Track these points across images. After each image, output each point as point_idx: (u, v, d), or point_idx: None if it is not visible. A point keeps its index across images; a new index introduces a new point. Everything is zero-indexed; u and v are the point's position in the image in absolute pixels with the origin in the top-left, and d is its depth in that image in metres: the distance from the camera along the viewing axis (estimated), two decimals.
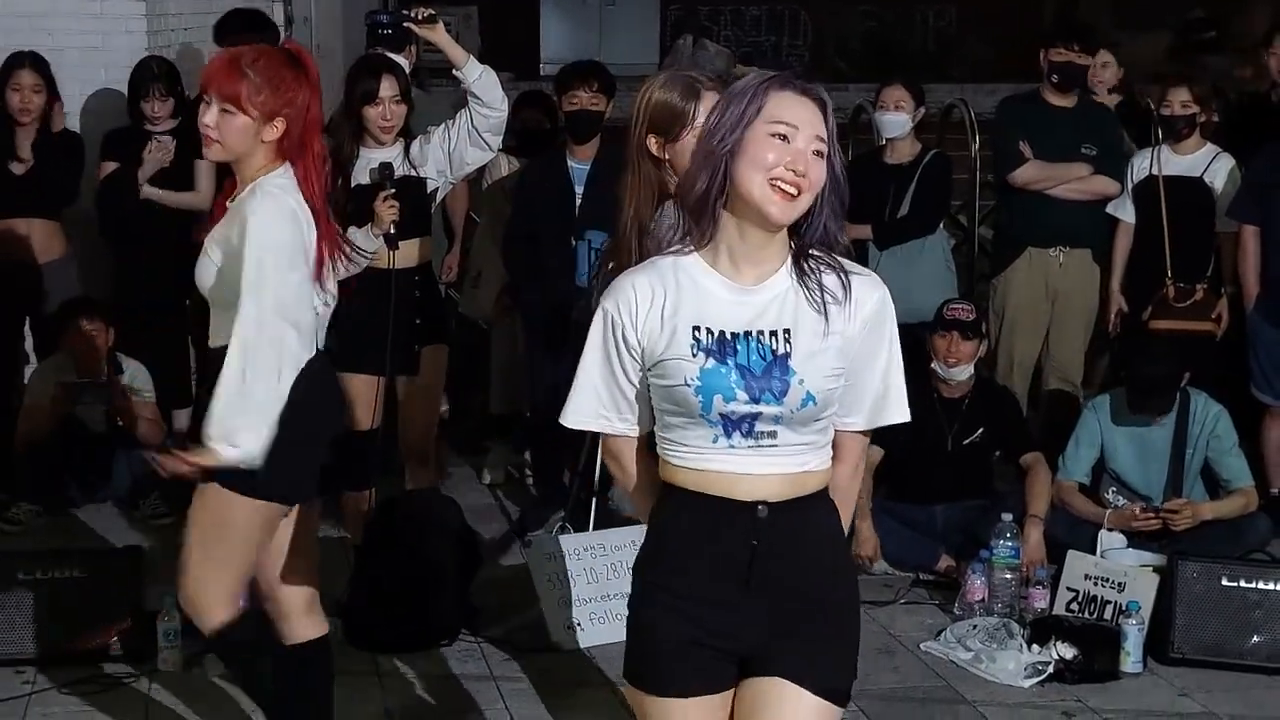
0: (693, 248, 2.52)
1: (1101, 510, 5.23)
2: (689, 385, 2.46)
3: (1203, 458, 5.26)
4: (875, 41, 20.84)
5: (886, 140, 5.99)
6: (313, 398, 3.27)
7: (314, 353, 3.31)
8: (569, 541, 4.89)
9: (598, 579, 4.76)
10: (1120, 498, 5.27)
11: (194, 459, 3.22)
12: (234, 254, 3.20)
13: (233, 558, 3.34)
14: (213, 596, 3.33)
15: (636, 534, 4.91)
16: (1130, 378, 5.28)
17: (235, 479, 3.23)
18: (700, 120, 3.25)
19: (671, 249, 2.54)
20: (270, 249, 3.18)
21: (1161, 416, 5.24)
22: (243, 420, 3.16)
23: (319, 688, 3.53)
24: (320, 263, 3.33)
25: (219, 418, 3.17)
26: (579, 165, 5.50)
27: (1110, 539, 5.12)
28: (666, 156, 3.32)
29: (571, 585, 4.73)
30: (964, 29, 20.92)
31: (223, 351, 3.21)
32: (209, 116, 3.24)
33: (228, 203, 3.33)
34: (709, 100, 3.27)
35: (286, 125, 3.24)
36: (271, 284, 3.17)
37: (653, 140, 3.31)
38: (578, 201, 5.45)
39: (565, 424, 2.58)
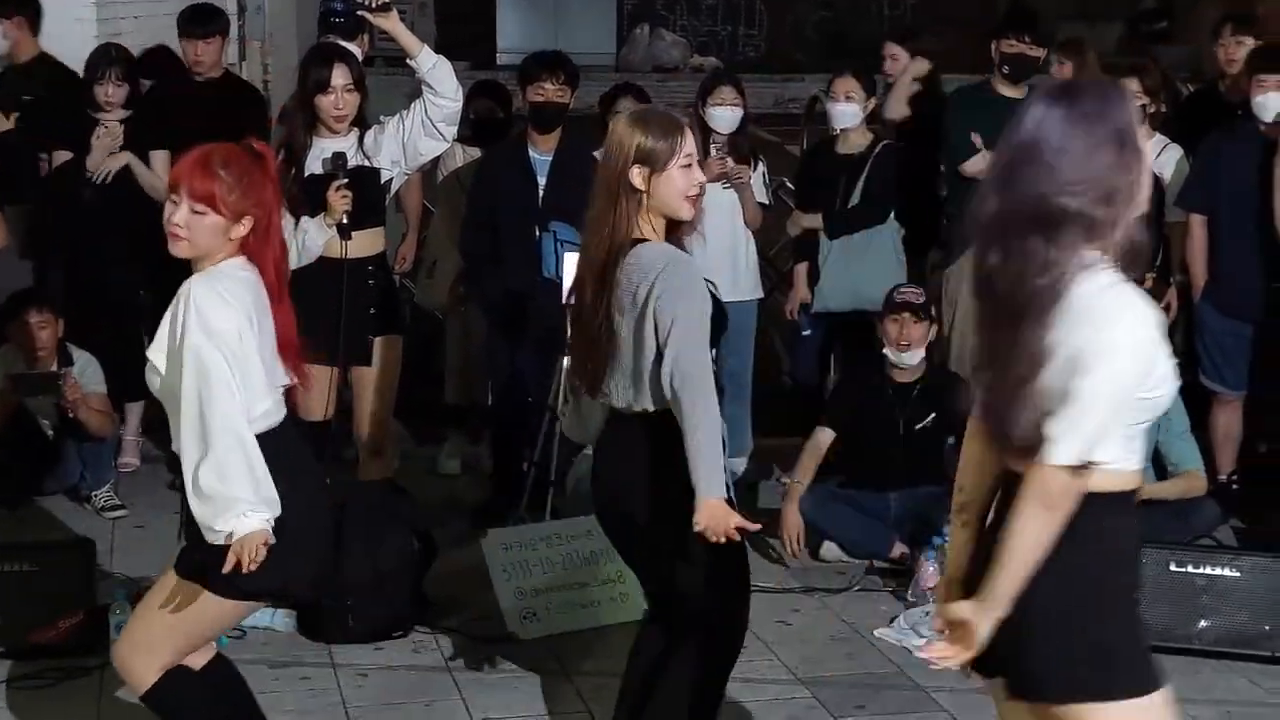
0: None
1: None
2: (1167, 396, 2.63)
3: (1152, 441, 5.32)
4: (830, 31, 20.90)
5: (838, 130, 6.01)
6: (293, 483, 3.25)
7: (282, 417, 3.32)
8: (525, 531, 4.90)
9: (554, 568, 4.77)
10: None
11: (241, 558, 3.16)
12: (175, 351, 3.20)
13: (190, 643, 3.38)
14: (149, 667, 3.35)
15: (592, 524, 4.93)
16: None
17: (230, 587, 3.23)
18: (686, 151, 3.36)
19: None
20: (214, 335, 3.17)
21: None
22: (233, 507, 3.15)
23: (240, 699, 3.55)
24: (281, 346, 3.34)
25: (232, 496, 3.16)
26: (541, 156, 5.49)
27: None
28: (647, 188, 3.37)
29: (527, 575, 4.73)
30: (919, 19, 21.02)
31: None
32: (179, 215, 3.24)
33: None
34: (688, 134, 3.42)
35: (254, 223, 3.27)
36: (214, 375, 3.16)
37: (636, 172, 3.35)
38: (540, 192, 5.44)
39: (1093, 459, 2.52)
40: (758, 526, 3.46)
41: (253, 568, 3.14)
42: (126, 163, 5.88)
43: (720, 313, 3.45)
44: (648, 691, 3.50)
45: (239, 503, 3.15)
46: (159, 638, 3.34)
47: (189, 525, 3.27)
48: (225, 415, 3.15)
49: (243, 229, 3.27)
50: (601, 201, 3.39)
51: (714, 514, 3.26)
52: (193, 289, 3.22)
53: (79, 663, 4.37)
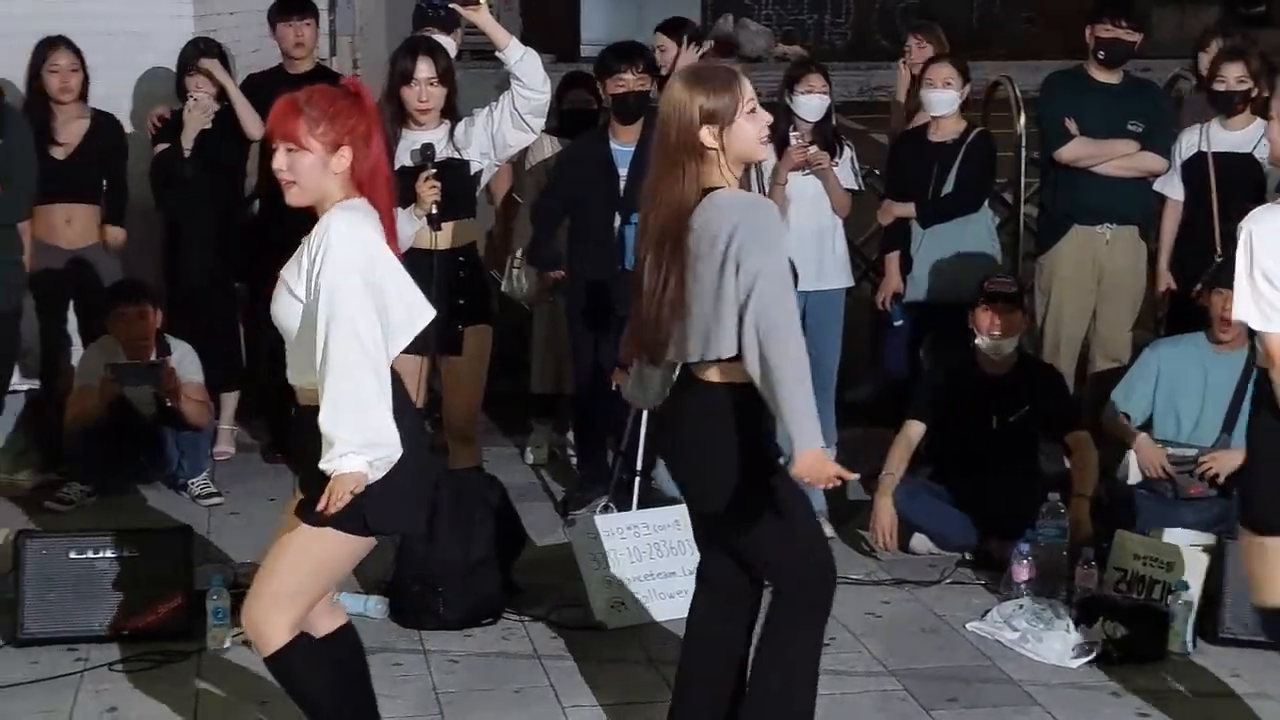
0: None
1: (1134, 434, 5.27)
2: None
3: None
4: (918, 19, 20.69)
5: (932, 118, 5.95)
6: (402, 425, 3.28)
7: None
8: (612, 521, 4.91)
9: (640, 558, 4.78)
10: (1169, 447, 5.25)
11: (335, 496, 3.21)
12: (311, 281, 3.23)
13: (315, 591, 3.40)
14: (279, 625, 3.36)
15: (679, 513, 4.94)
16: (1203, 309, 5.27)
17: (351, 523, 3.26)
18: (748, 97, 3.34)
19: None
20: (351, 269, 3.20)
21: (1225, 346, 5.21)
22: (334, 446, 3.19)
23: (358, 673, 3.58)
24: None
25: (337, 435, 3.18)
26: (622, 147, 5.49)
27: (1133, 471, 5.22)
28: (720, 145, 3.35)
29: (614, 565, 4.74)
30: (1008, 5, 20.76)
31: (307, 395, 3.28)
32: (279, 160, 3.29)
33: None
34: (744, 80, 3.40)
35: (353, 153, 3.29)
36: (355, 306, 3.19)
37: (706, 132, 3.33)
38: (621, 183, 5.44)
39: None
40: (856, 475, 3.41)
41: (336, 508, 3.17)
42: (205, 124, 5.92)
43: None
44: (759, 661, 3.51)
45: (341, 444, 3.17)
46: (289, 587, 3.34)
47: (308, 472, 3.29)
48: (350, 351, 3.17)
49: (343, 160, 3.28)
50: (666, 166, 3.36)
51: (812, 464, 3.23)
52: (332, 222, 3.24)
53: (178, 647, 4.44)
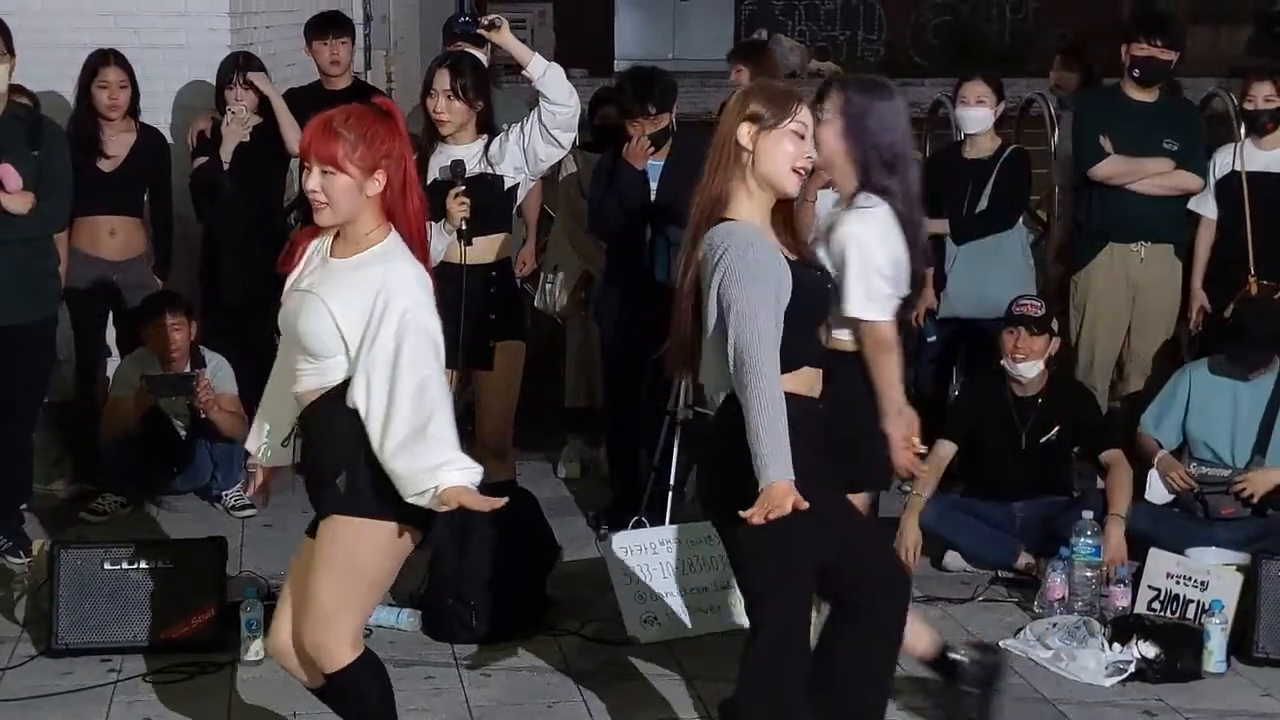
0: None
1: (1155, 451, 5.28)
2: None
3: None
4: (951, 35, 20.68)
5: (965, 135, 5.95)
6: None
7: None
8: (645, 535, 4.91)
9: (673, 573, 4.78)
10: (1202, 467, 5.23)
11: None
12: (356, 320, 3.22)
13: (372, 593, 3.37)
14: (343, 639, 3.32)
15: (710, 529, 4.93)
16: (1234, 330, 5.27)
17: (362, 505, 3.26)
18: (800, 119, 3.32)
19: None
20: (422, 331, 3.21)
21: (1258, 372, 5.20)
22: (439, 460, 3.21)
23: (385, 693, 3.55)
24: None
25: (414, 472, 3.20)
26: (653, 161, 5.50)
27: (1157, 488, 5.19)
28: (753, 148, 3.33)
29: (647, 579, 4.74)
30: (1041, 22, 20.72)
31: (313, 397, 3.28)
32: (313, 181, 3.26)
33: (327, 256, 3.34)
34: (805, 107, 3.37)
35: (387, 177, 3.28)
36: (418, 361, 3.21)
37: (745, 129, 3.32)
38: (652, 196, 5.45)
39: None
40: (806, 505, 3.29)
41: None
42: (243, 137, 5.98)
43: (820, 292, 3.42)
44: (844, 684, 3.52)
45: (439, 467, 3.21)
46: (348, 594, 3.30)
47: (343, 471, 3.26)
48: (433, 381, 3.21)
49: (377, 184, 3.27)
50: (706, 169, 3.35)
51: (772, 495, 3.18)
52: (398, 282, 3.20)
53: (211, 658, 4.46)
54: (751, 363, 3.21)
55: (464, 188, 4.75)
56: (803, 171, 3.37)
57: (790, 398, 3.26)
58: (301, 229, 3.46)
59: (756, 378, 3.20)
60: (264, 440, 3.54)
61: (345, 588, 3.31)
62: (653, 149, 5.41)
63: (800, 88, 3.56)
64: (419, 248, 3.36)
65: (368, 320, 3.22)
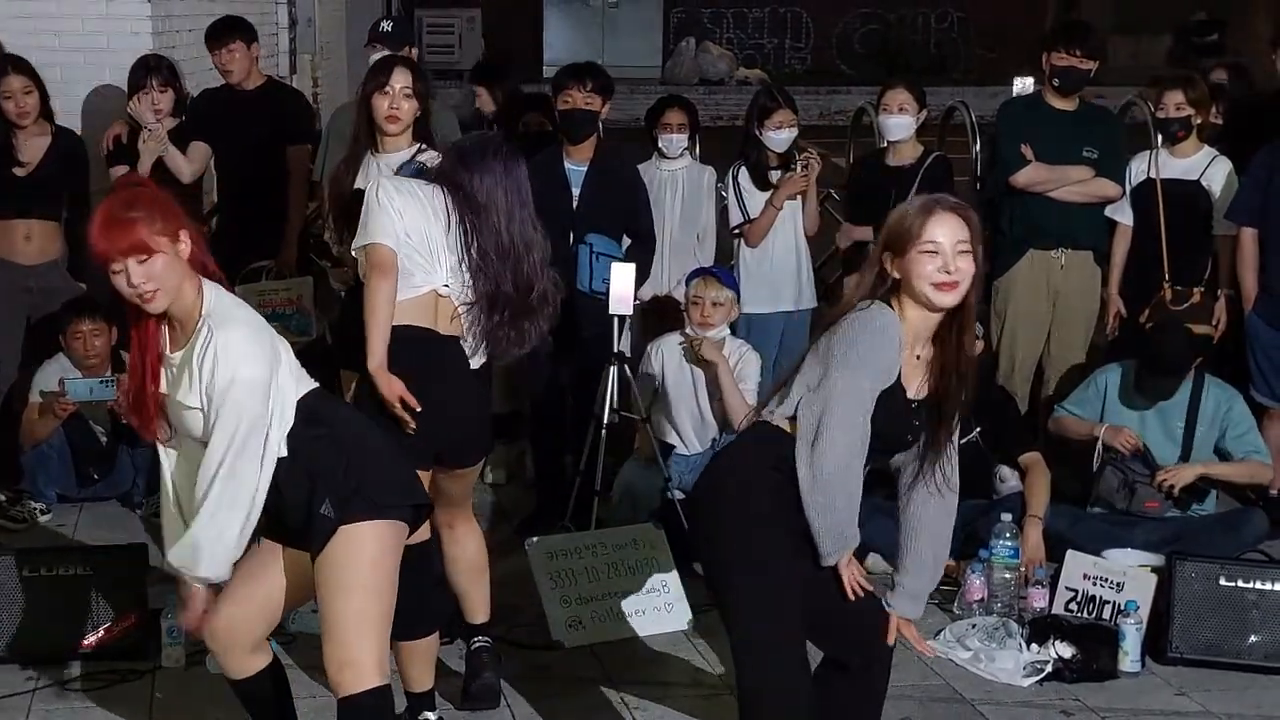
0: None
1: (1097, 424, 5.37)
2: None
3: (1214, 437, 5.32)
4: (877, 44, 20.87)
5: (888, 143, 6.02)
6: (357, 414, 3.36)
7: (314, 386, 3.37)
8: (571, 540, 4.92)
9: (598, 577, 4.79)
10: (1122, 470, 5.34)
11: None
12: (211, 395, 3.21)
13: (391, 599, 3.31)
14: (376, 654, 3.25)
15: (637, 533, 4.96)
16: (1142, 358, 5.34)
17: (359, 508, 3.25)
18: (929, 238, 3.26)
19: None
20: (246, 384, 3.19)
21: (1165, 400, 5.31)
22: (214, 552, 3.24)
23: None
24: None
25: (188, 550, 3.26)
26: (575, 166, 5.52)
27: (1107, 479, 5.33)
28: (893, 272, 3.32)
29: (572, 584, 4.75)
30: (965, 32, 20.96)
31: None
32: (135, 277, 3.18)
33: (167, 352, 3.30)
34: (938, 222, 3.29)
35: (190, 234, 3.26)
36: (246, 413, 3.19)
37: (887, 257, 3.32)
38: (574, 204, 5.47)
39: None
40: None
41: None
42: (161, 152, 5.97)
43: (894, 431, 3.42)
44: None
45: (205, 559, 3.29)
46: (374, 601, 3.24)
47: (324, 500, 3.26)
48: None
49: (186, 246, 3.24)
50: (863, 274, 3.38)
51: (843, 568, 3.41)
52: (222, 339, 3.19)
53: (131, 665, 4.41)
54: (831, 439, 3.23)
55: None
56: (946, 287, 3.28)
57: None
58: (133, 338, 3.35)
59: (833, 452, 3.24)
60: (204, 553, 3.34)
61: (371, 596, 3.25)
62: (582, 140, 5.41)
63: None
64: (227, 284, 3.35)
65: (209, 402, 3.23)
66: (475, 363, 4.07)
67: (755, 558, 3.29)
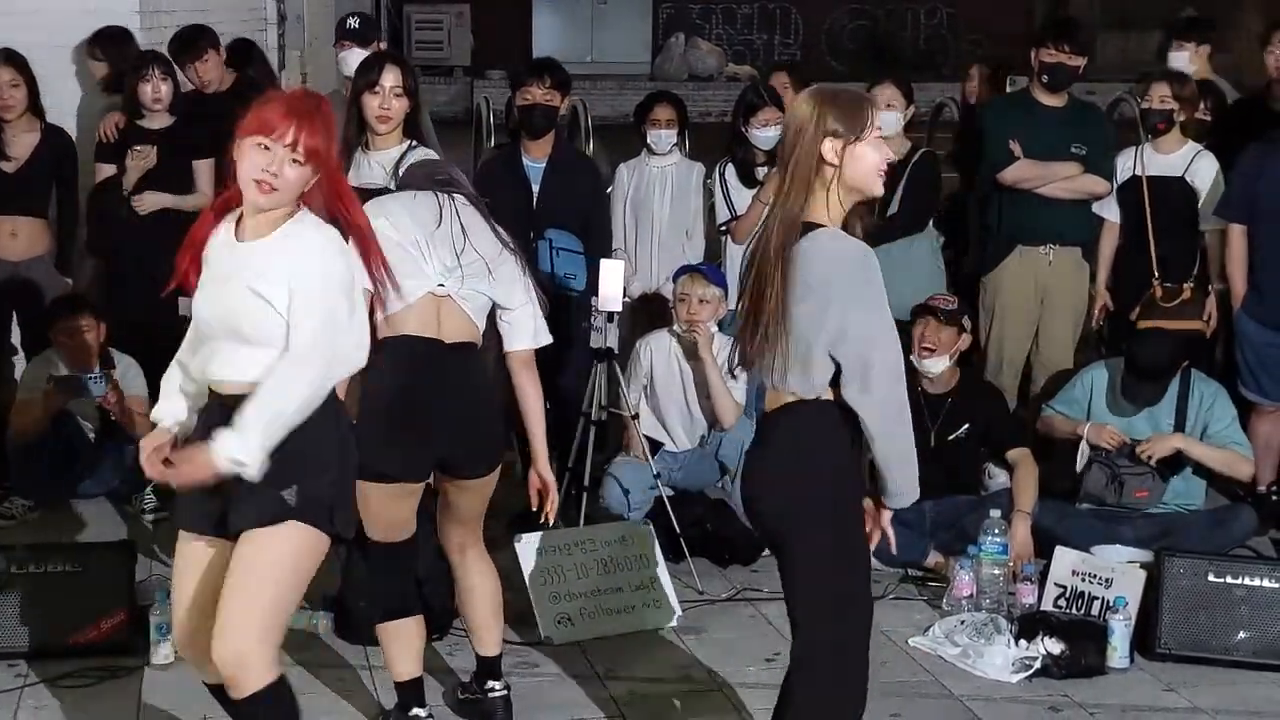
0: None
1: (1082, 423, 5.38)
2: None
3: (1198, 432, 5.34)
4: (866, 40, 20.88)
5: None
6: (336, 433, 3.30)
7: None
8: (560, 537, 4.92)
9: (587, 574, 4.79)
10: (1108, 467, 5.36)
11: (197, 464, 3.18)
12: (282, 292, 3.14)
13: (292, 606, 3.28)
14: (266, 656, 3.20)
15: (625, 530, 4.96)
16: (1127, 365, 5.35)
17: (316, 515, 3.20)
18: (877, 124, 3.32)
19: None
20: (329, 278, 3.16)
21: (1150, 406, 5.32)
22: (263, 438, 3.12)
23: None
24: (375, 277, 3.36)
25: (247, 429, 3.11)
26: (534, 163, 5.53)
27: (1095, 470, 5.33)
28: (840, 162, 3.28)
29: (561, 580, 4.76)
30: (955, 28, 20.98)
31: (241, 390, 3.18)
32: (274, 163, 3.13)
33: (234, 236, 3.25)
34: (875, 111, 3.35)
35: (331, 177, 3.23)
36: (324, 311, 3.15)
37: (829, 145, 3.27)
38: (534, 200, 5.47)
39: None
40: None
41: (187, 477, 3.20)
42: (164, 204, 5.95)
43: None
44: None
45: (256, 447, 3.15)
46: (270, 604, 3.18)
47: (295, 484, 3.19)
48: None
49: (323, 182, 3.20)
50: (785, 178, 3.31)
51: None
52: (314, 237, 3.15)
53: (120, 662, 4.41)
54: (884, 378, 3.28)
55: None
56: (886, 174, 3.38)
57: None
58: (215, 205, 3.32)
59: (892, 388, 3.30)
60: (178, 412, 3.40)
61: (284, 597, 3.22)
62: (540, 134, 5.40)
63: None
64: (355, 212, 3.27)
65: (289, 298, 3.15)
66: (540, 340, 4.04)
67: (853, 544, 3.46)
